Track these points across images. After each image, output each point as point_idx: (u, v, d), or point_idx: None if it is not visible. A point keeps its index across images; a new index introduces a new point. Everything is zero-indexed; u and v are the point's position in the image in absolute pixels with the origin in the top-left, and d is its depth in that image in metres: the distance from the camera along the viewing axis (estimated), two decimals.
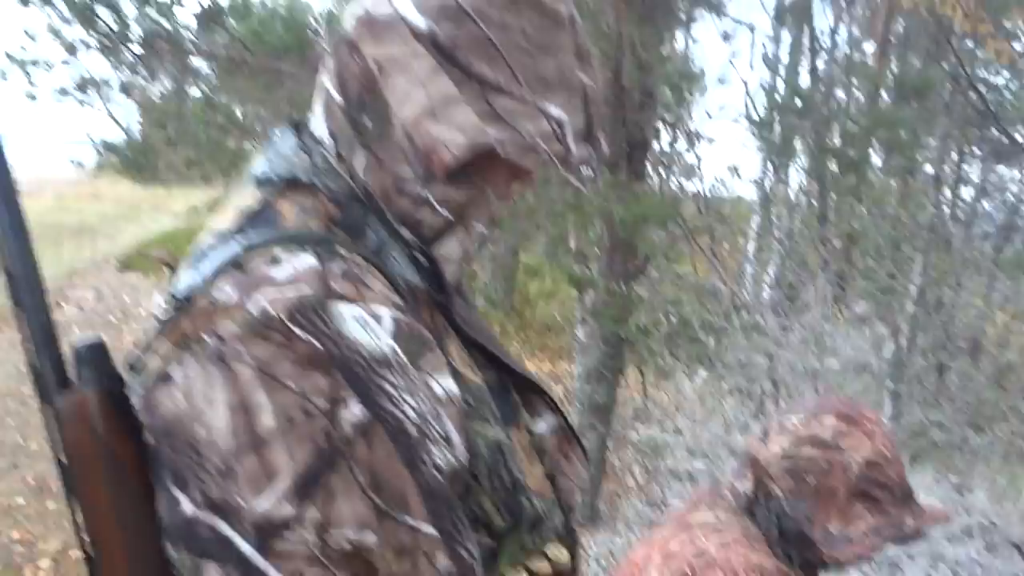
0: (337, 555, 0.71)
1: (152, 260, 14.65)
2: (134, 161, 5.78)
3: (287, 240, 0.78)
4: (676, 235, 7.32)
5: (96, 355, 0.78)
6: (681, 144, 7.51)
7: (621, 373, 7.53)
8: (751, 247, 10.74)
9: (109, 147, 5.70)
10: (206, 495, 0.70)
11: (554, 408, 0.97)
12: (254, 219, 0.83)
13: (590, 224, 6.63)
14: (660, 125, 6.84)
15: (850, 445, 1.50)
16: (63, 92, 5.82)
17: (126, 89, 5.76)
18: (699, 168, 7.50)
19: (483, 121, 0.80)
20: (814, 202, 9.67)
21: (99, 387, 0.76)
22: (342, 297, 0.75)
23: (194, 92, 6.73)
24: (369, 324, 0.75)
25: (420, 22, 0.83)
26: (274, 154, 0.91)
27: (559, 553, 0.91)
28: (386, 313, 0.77)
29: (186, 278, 0.79)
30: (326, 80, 0.90)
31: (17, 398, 9.03)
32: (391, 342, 0.75)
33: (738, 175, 7.56)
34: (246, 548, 0.70)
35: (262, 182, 0.88)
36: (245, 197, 0.87)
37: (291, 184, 0.87)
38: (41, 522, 6.35)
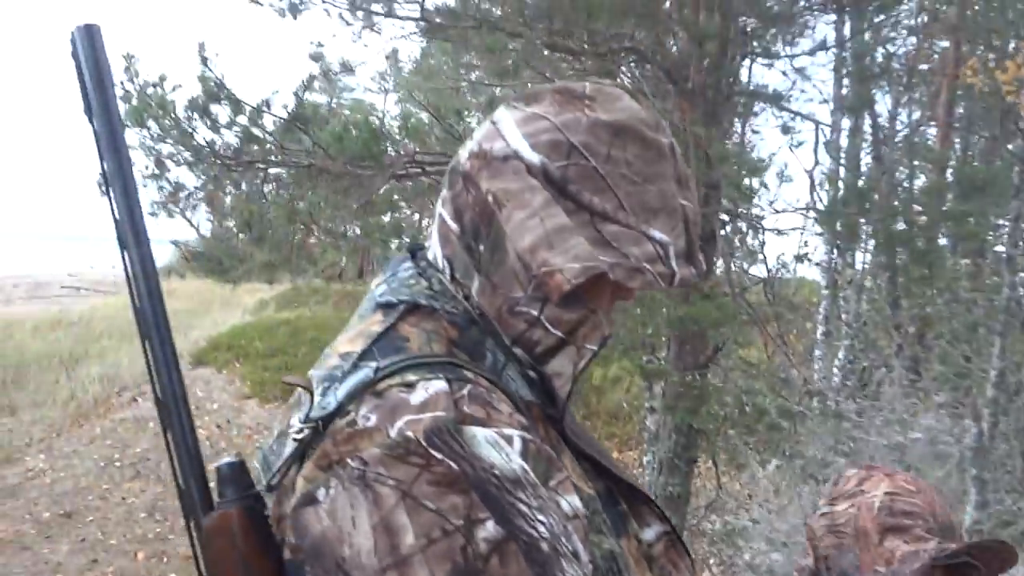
0: None
1: (223, 355, 14.96)
2: (217, 264, 6.02)
3: (417, 365, 0.84)
4: (744, 321, 7.29)
5: (237, 474, 0.84)
6: (745, 231, 7.51)
7: (694, 463, 7.46)
8: (819, 331, 10.60)
9: (195, 254, 5.95)
10: None
11: (661, 516, 1.01)
12: (380, 343, 0.89)
13: (659, 317, 6.66)
14: (725, 216, 6.89)
15: (870, 486, 1.57)
16: (154, 204, 6.17)
17: (211, 198, 6.06)
18: (763, 253, 7.51)
19: (594, 247, 0.88)
20: (881, 283, 9.58)
21: (240, 505, 0.83)
22: (474, 420, 0.79)
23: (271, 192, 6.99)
24: (500, 445, 0.78)
25: (533, 158, 0.91)
26: (394, 280, 0.97)
27: None
28: (515, 434, 0.80)
29: (320, 402, 0.84)
30: (442, 209, 0.98)
31: (97, 493, 9.21)
32: (521, 462, 0.79)
33: (808, 260, 7.53)
34: None
35: (385, 307, 0.94)
36: (370, 322, 0.93)
37: (412, 308, 0.93)
38: None
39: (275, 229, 6.13)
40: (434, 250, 0.99)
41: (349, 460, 0.77)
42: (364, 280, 13.86)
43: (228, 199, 6.97)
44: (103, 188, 0.91)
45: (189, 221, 7.44)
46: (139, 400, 12.62)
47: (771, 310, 7.35)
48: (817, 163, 8.26)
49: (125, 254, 0.88)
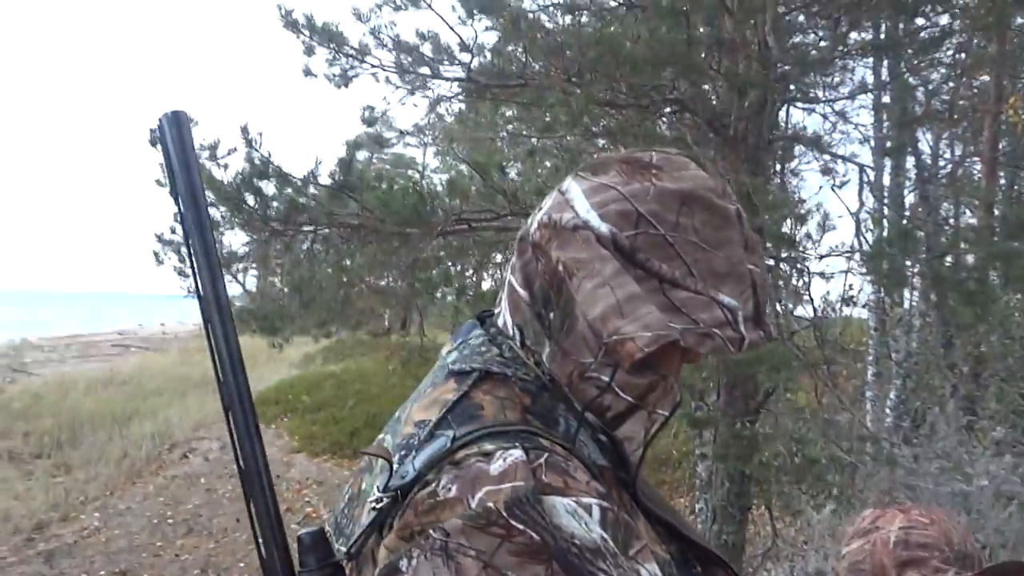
0: None
1: (270, 409, 15.08)
2: (270, 323, 6.13)
3: (493, 434, 0.85)
4: (793, 366, 7.21)
5: (318, 543, 0.86)
6: (794, 284, 7.47)
7: (748, 510, 7.34)
8: (870, 372, 10.46)
9: (249, 313, 6.06)
10: None
11: None
12: (455, 411, 0.90)
13: (705, 364, 6.62)
14: (771, 261, 6.87)
15: (884, 522, 1.57)
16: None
17: (264, 261, 6.19)
18: (809, 295, 7.45)
19: (664, 314, 0.88)
20: (931, 321, 9.44)
21: (321, 574, 0.84)
22: (553, 489, 0.79)
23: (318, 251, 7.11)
24: (580, 514, 0.78)
25: (603, 227, 0.93)
26: (466, 347, 0.99)
27: None
28: (593, 503, 0.80)
29: (399, 470, 0.86)
30: (512, 277, 1.00)
31: (151, 550, 9.28)
32: (600, 531, 0.78)
33: (853, 303, 7.45)
34: None
35: (458, 375, 0.96)
36: (444, 390, 0.94)
37: (485, 376, 0.94)
38: None
39: (325, 290, 6.23)
40: (504, 317, 1.01)
41: (431, 531, 0.77)
42: (407, 331, 13.91)
43: (276, 260, 7.09)
44: (181, 260, 0.93)
45: (235, 278, 7.53)
46: (190, 456, 12.77)
47: (820, 353, 7.26)
48: (861, 204, 8.22)
49: (209, 330, 0.90)
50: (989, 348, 7.80)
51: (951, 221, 9.26)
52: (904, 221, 7.28)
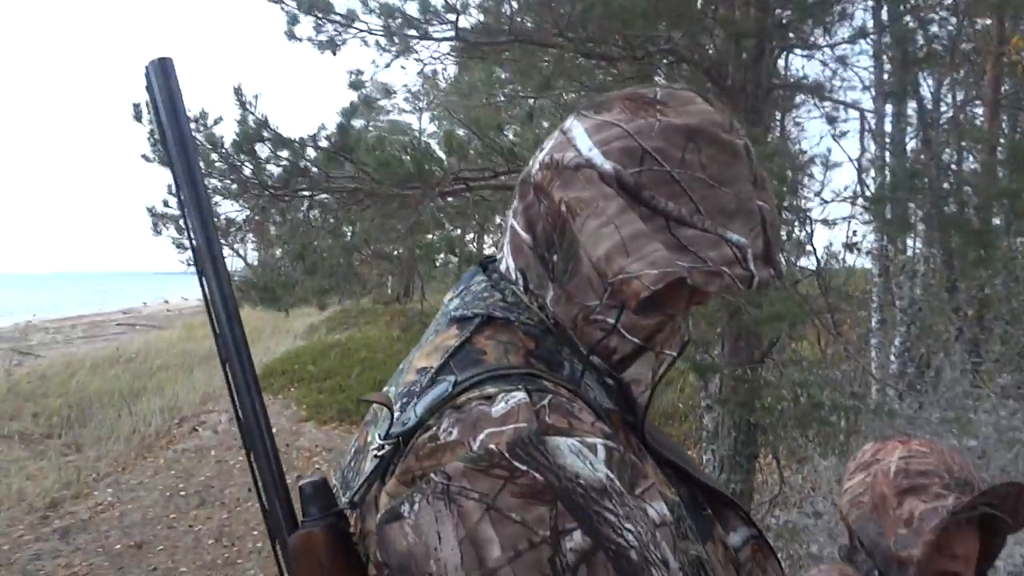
0: None
1: (277, 380, 15.15)
2: (271, 293, 6.10)
3: (496, 378, 0.83)
4: (796, 314, 7.20)
5: (320, 492, 0.84)
6: (798, 232, 7.44)
7: (756, 458, 7.38)
8: (874, 319, 10.45)
9: (249, 284, 6.03)
10: None
11: (747, 520, 0.99)
12: (457, 357, 0.89)
13: (712, 314, 6.61)
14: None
15: (884, 454, 1.59)
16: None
17: (259, 228, 6.15)
18: (812, 244, 7.43)
19: (671, 252, 0.86)
20: (935, 267, 9.41)
21: (325, 523, 0.82)
22: (556, 430, 0.77)
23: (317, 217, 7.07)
24: (584, 454, 0.77)
25: (606, 165, 0.90)
26: (468, 293, 0.97)
27: None
28: (598, 442, 0.79)
29: (400, 417, 0.84)
30: (514, 220, 0.98)
31: (164, 523, 9.35)
32: (606, 470, 0.77)
33: (857, 250, 7.43)
34: None
35: (459, 321, 0.94)
36: (446, 336, 0.93)
37: (487, 321, 0.92)
38: None
39: (326, 257, 6.19)
40: (507, 262, 0.99)
41: (433, 475, 0.76)
42: (410, 299, 13.92)
43: (273, 228, 7.06)
44: (177, 220, 0.92)
45: (236, 252, 7.52)
46: (199, 430, 12.85)
47: (823, 301, 7.25)
48: (863, 151, 8.15)
49: (203, 280, 0.89)
50: (993, 291, 7.78)
51: (953, 166, 9.18)
52: (907, 166, 7.21)
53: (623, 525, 0.75)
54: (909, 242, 10.44)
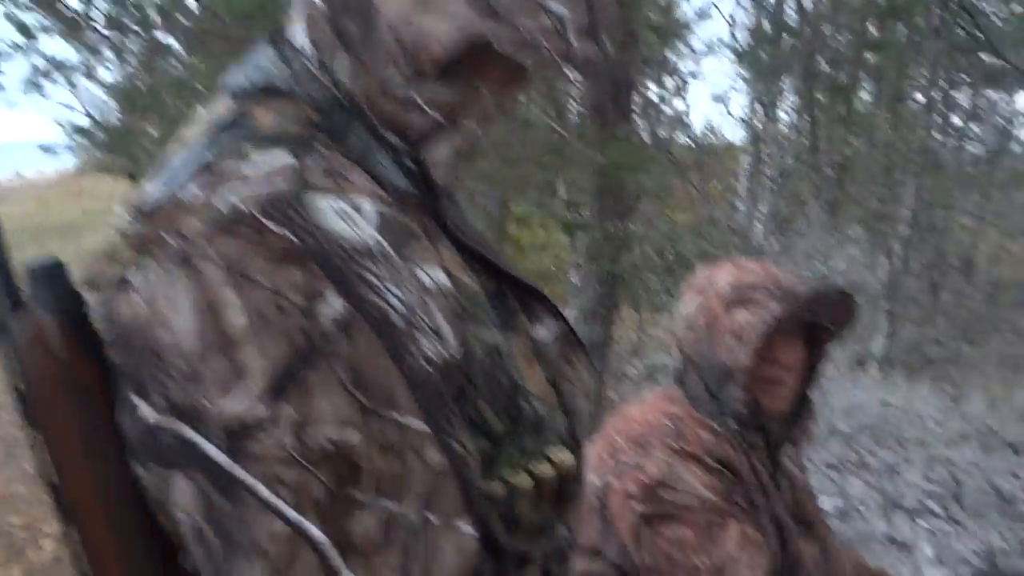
0: (317, 455, 0.65)
1: None
2: (113, 145, 5.67)
3: (260, 139, 0.72)
4: (665, 168, 7.30)
5: (53, 274, 0.71)
6: (668, 86, 7.45)
7: (616, 310, 7.56)
8: (742, 188, 10.74)
9: (82, 132, 5.61)
10: (169, 400, 0.64)
11: (555, 314, 0.92)
12: (227, 128, 0.76)
13: (577, 170, 6.60)
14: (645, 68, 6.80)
15: (716, 275, 1.61)
16: (30, 84, 5.70)
17: (92, 73, 5.63)
18: (687, 114, 7.50)
19: (478, 15, 0.74)
20: (803, 137, 9.65)
21: (57, 308, 0.70)
22: (320, 189, 0.69)
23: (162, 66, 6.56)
24: (350, 215, 0.70)
25: None
26: (251, 65, 0.83)
27: (563, 456, 0.85)
28: (368, 205, 0.72)
29: (151, 189, 0.72)
30: None
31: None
32: (374, 233, 0.70)
33: (726, 108, 7.51)
34: (214, 452, 0.64)
35: (237, 93, 0.80)
36: (217, 108, 0.80)
37: (268, 92, 0.80)
38: (41, 507, 6.32)
39: (168, 103, 5.71)
40: (298, 34, 0.84)
41: (167, 237, 0.66)
42: None
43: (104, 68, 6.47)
44: None
45: (83, 105, 6.83)
46: None
47: (693, 159, 7.37)
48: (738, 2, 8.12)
49: None
50: (853, 153, 8.05)
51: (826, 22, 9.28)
52: (779, 25, 7.24)
53: (387, 288, 0.68)
54: (781, 115, 10.65)
